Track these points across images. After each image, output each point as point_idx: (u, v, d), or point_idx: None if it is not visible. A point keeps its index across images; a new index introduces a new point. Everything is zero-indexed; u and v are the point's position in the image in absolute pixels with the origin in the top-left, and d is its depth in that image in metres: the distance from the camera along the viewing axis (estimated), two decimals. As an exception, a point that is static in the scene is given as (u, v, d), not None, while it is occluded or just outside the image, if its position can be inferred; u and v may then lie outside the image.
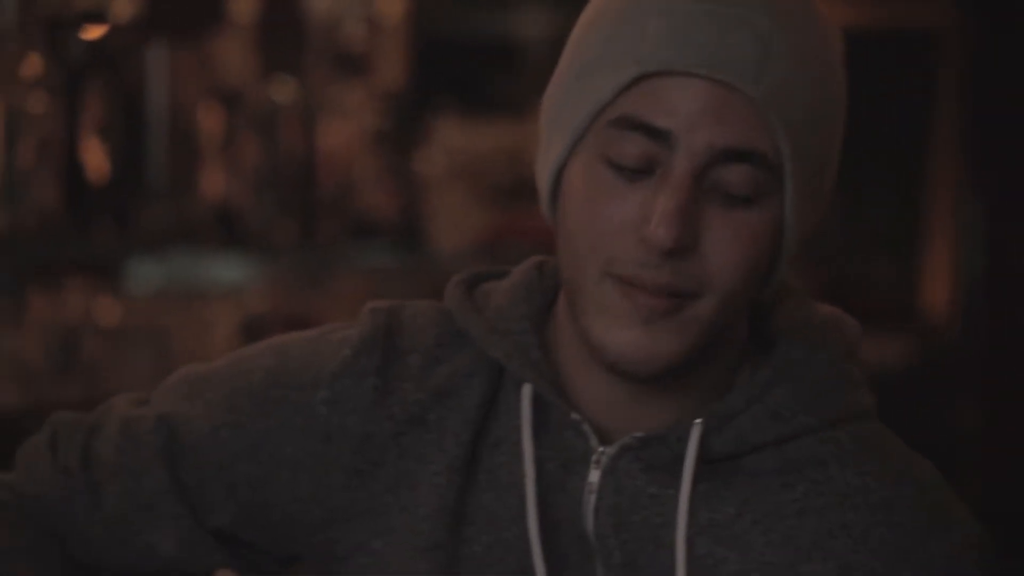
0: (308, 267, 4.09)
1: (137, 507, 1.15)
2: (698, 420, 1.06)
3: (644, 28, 1.02)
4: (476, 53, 6.56)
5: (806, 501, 1.07)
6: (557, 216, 1.07)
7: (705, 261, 1.02)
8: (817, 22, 1.06)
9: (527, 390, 1.09)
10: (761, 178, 1.03)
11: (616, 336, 1.03)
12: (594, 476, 1.08)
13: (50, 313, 3.10)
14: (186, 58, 3.31)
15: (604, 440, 1.08)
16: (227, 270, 3.69)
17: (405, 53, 4.56)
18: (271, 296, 3.76)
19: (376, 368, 1.14)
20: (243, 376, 1.16)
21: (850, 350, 1.12)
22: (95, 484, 1.16)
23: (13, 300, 3.16)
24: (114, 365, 3.03)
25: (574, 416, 1.08)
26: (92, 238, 3.07)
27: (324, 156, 3.97)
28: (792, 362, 1.09)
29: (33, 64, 2.81)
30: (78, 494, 1.16)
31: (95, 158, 3.02)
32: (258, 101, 3.69)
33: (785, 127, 1.02)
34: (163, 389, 1.19)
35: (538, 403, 1.09)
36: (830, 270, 6.04)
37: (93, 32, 2.81)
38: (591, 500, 1.08)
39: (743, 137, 1.02)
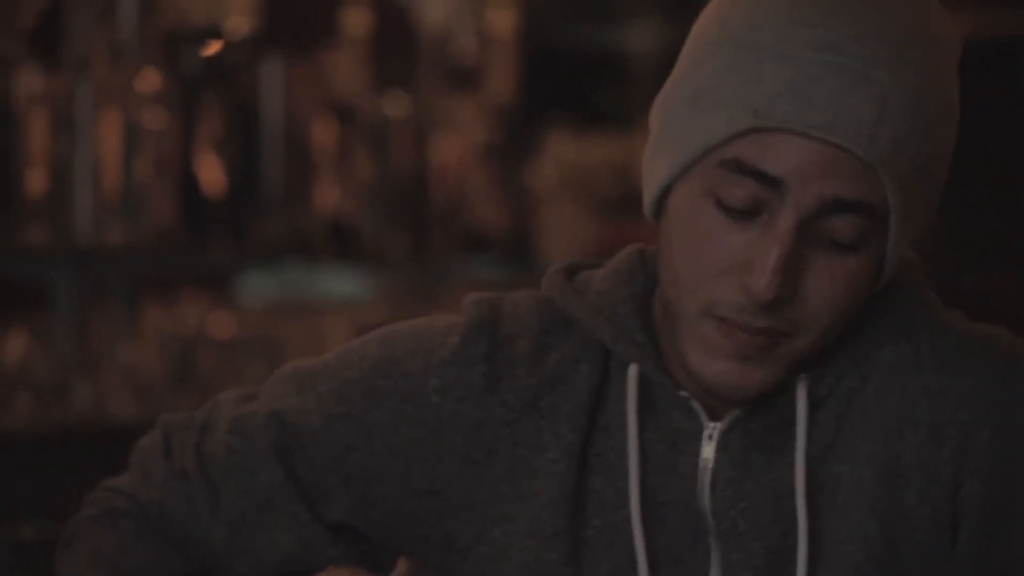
0: (419, 279, 4.11)
1: (254, 505, 1.15)
2: (803, 375, 1.07)
3: (761, 72, 1.01)
4: (586, 66, 6.56)
5: (884, 384, 1.08)
6: (660, 231, 1.08)
7: (804, 305, 1.03)
8: (939, 59, 1.05)
9: (632, 371, 1.10)
10: (867, 227, 1.03)
11: (712, 367, 1.04)
12: (707, 452, 1.09)
13: (166, 326, 3.14)
14: (300, 72, 3.33)
15: (711, 416, 1.09)
16: (340, 282, 3.72)
17: (515, 66, 4.57)
18: (383, 308, 3.77)
19: (484, 354, 1.14)
20: (352, 368, 1.17)
21: (920, 278, 1.14)
22: (212, 485, 1.16)
23: (130, 313, 3.22)
24: (228, 377, 3.05)
25: (682, 394, 1.08)
26: (207, 251, 3.11)
27: (435, 169, 3.97)
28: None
29: (150, 79, 2.85)
30: (197, 497, 1.16)
31: (211, 172, 3.06)
32: (371, 115, 3.71)
33: (896, 183, 1.02)
34: (271, 384, 1.19)
35: (645, 384, 1.09)
36: (943, 283, 5.95)
37: (210, 47, 2.84)
38: (706, 476, 1.08)
39: (853, 190, 1.02)
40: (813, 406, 1.08)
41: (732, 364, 1.04)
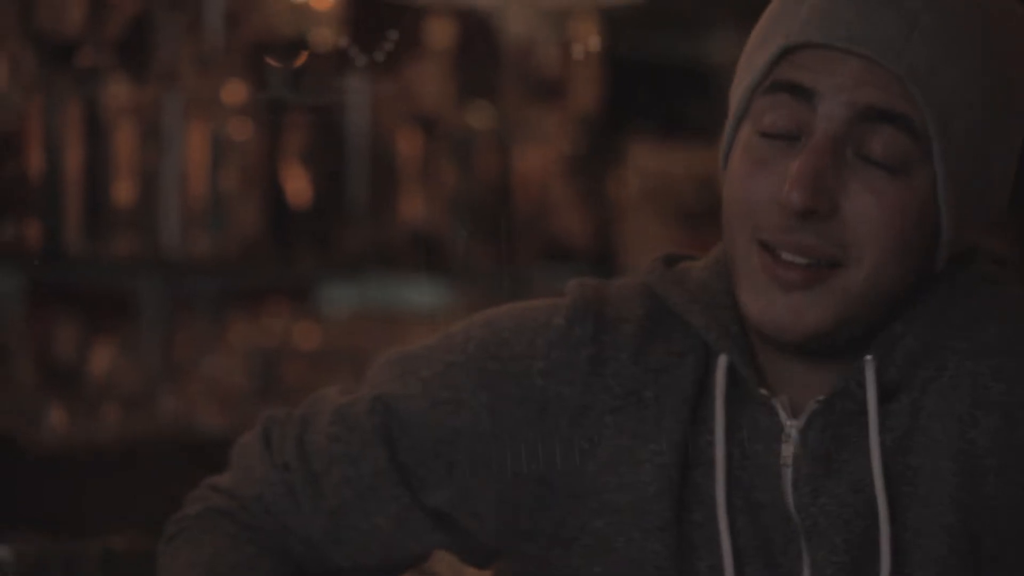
0: (502, 290, 4.09)
1: (357, 492, 1.14)
2: (868, 356, 1.05)
3: (799, 10, 1.05)
4: (668, 77, 6.55)
5: (957, 371, 1.06)
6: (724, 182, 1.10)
7: (847, 227, 1.03)
8: (988, 8, 1.06)
9: (722, 361, 1.10)
10: (906, 146, 1.03)
11: (758, 303, 1.05)
12: (787, 451, 1.07)
13: (251, 336, 3.16)
14: (385, 84, 3.34)
15: (791, 413, 1.08)
16: (423, 293, 3.72)
17: (598, 77, 4.57)
18: (465, 319, 3.76)
19: (591, 337, 1.14)
20: (456, 351, 1.17)
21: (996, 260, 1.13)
22: (314, 475, 1.14)
23: (215, 324, 3.24)
24: (312, 387, 3.04)
25: (762, 392, 1.08)
26: (292, 262, 3.12)
27: (519, 180, 3.97)
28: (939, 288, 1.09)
29: (237, 90, 2.87)
30: (299, 488, 1.15)
31: (296, 184, 3.07)
32: (454, 126, 3.71)
33: (930, 103, 1.02)
34: (373, 373, 1.18)
35: (737, 380, 1.09)
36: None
37: (295, 59, 2.85)
38: (788, 474, 1.07)
39: (885, 99, 1.02)
40: (886, 396, 1.06)
41: (776, 301, 1.03)
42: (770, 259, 1.04)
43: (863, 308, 1.05)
